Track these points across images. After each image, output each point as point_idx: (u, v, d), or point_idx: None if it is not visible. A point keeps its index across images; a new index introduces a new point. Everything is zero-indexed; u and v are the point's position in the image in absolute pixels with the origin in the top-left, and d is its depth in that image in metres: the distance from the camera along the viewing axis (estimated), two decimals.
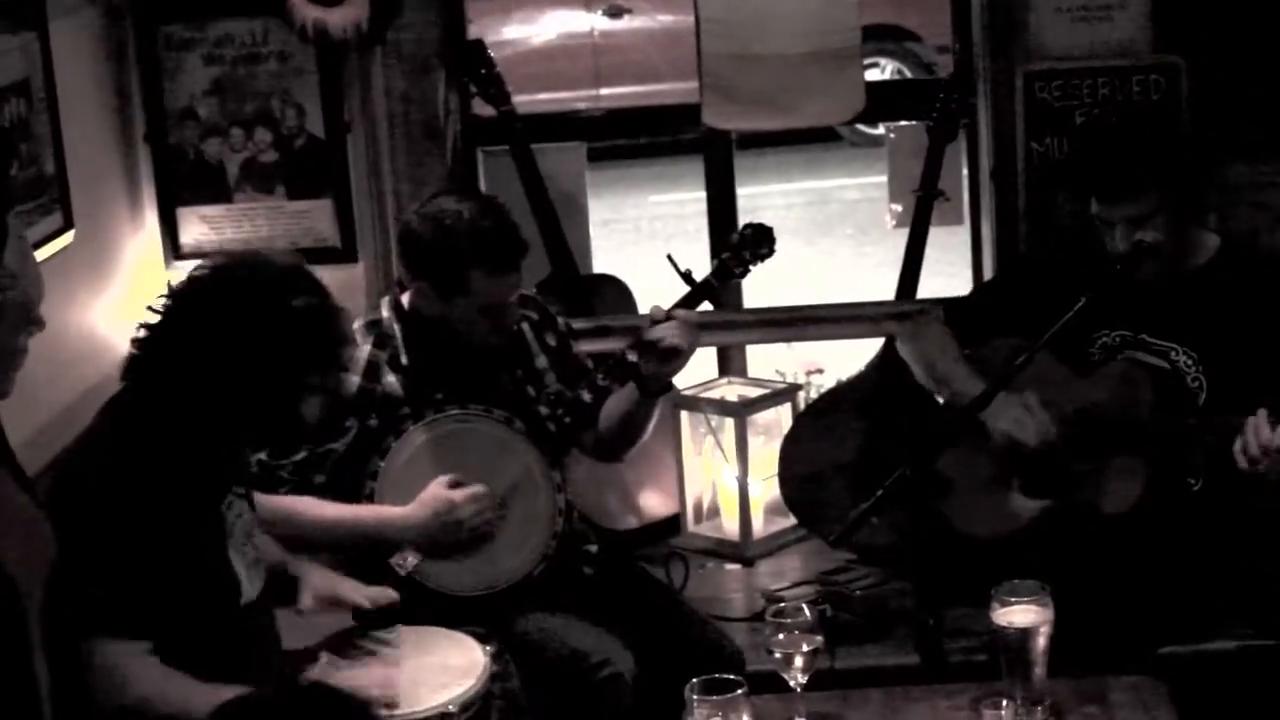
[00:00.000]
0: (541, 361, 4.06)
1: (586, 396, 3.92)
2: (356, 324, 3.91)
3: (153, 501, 3.05)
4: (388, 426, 3.82)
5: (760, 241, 3.99)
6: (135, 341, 3.18)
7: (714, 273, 3.98)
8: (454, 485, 3.78)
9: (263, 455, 3.77)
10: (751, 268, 4.02)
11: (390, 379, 3.86)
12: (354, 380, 3.84)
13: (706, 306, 3.99)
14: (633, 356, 3.85)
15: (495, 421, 3.86)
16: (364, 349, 3.87)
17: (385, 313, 3.94)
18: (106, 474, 3.08)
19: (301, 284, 3.17)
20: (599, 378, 3.93)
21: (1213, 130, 4.55)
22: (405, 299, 3.95)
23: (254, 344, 3.08)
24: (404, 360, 3.88)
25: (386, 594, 3.52)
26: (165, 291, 3.19)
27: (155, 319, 3.15)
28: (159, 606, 3.04)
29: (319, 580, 3.50)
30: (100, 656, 3.00)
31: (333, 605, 3.49)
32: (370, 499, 3.80)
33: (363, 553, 3.80)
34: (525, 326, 4.04)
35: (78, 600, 2.96)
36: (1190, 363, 3.87)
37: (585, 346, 4.28)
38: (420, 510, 3.75)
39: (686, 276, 3.97)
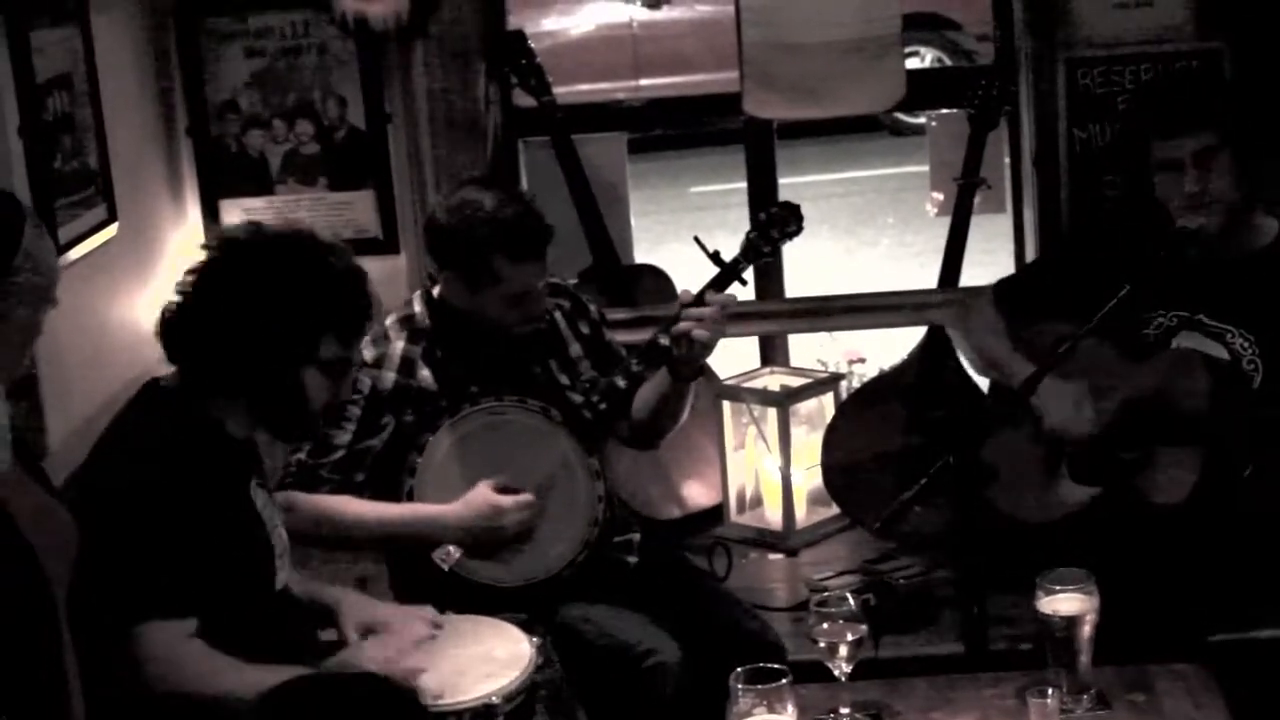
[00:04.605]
0: (575, 350, 4.05)
1: (621, 383, 3.91)
2: (390, 319, 3.92)
3: (184, 479, 3.07)
4: (424, 422, 3.82)
5: (788, 220, 3.95)
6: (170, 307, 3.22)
7: (742, 252, 3.94)
8: (501, 489, 3.77)
9: (302, 454, 3.78)
10: (780, 246, 4.00)
11: (425, 373, 3.86)
12: (390, 376, 3.84)
13: (737, 288, 3.95)
14: (664, 341, 3.83)
15: (531, 412, 3.85)
16: (398, 344, 3.87)
17: (418, 307, 3.94)
18: (136, 457, 3.12)
19: (340, 250, 3.27)
20: (633, 364, 3.93)
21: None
22: (436, 292, 3.95)
23: (288, 287, 3.15)
24: (438, 353, 3.88)
25: (426, 612, 3.46)
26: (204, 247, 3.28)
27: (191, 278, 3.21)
28: (201, 584, 3.06)
29: (356, 608, 3.45)
30: (147, 643, 3.01)
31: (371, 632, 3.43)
32: (410, 496, 3.79)
33: (406, 550, 3.81)
34: (558, 316, 4.04)
35: (119, 588, 2.98)
36: (1247, 345, 3.84)
37: (626, 337, 4.27)
38: (465, 510, 3.75)
39: (715, 257, 3.93)
